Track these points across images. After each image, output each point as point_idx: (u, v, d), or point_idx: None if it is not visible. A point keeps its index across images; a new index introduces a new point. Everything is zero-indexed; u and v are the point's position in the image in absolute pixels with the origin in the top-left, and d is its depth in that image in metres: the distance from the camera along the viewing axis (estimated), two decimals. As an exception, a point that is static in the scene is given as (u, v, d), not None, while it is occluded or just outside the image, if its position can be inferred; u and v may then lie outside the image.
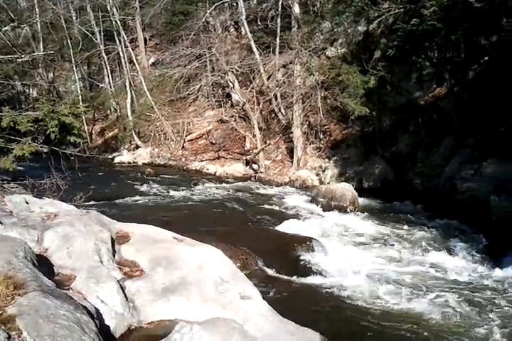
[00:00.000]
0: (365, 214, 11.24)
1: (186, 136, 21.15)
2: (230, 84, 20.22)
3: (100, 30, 23.85)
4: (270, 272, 7.23)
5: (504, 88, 11.21)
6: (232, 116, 20.14)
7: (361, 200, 12.39)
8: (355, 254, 8.42)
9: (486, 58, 12.92)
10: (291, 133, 17.51)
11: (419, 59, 14.53)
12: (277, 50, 18.86)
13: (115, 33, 23.36)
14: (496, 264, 8.24)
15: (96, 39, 24.09)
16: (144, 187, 14.36)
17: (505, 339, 5.56)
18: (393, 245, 9.10)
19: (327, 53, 18.60)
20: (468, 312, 6.23)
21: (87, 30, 24.45)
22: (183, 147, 20.87)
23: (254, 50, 19.02)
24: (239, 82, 20.36)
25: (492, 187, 10.37)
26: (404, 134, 14.91)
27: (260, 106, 19.15)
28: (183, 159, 20.07)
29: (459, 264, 8.33)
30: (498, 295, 6.97)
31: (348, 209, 11.50)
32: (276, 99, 18.93)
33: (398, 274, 7.63)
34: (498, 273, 7.92)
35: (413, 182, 13.07)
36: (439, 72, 13.94)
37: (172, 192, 13.49)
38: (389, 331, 5.53)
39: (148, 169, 18.21)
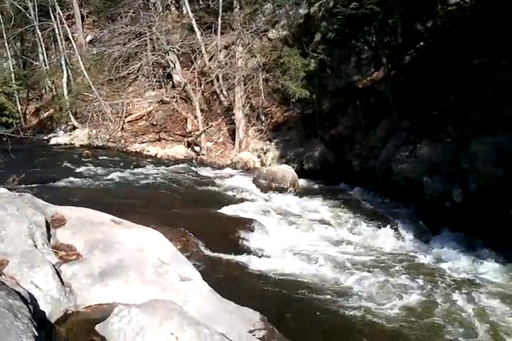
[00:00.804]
0: (305, 195, 11.47)
1: (126, 117, 20.65)
2: (171, 64, 19.82)
3: (34, 5, 22.73)
4: (211, 254, 7.25)
5: (438, 73, 11.61)
6: (174, 97, 19.80)
7: (301, 182, 12.62)
8: (295, 234, 8.59)
9: (422, 43, 13.32)
10: (233, 115, 17.48)
11: (359, 43, 14.78)
12: (219, 30, 18.64)
13: (50, 9, 22.34)
14: (429, 242, 8.68)
15: (30, 14, 22.94)
16: (81, 170, 13.95)
17: (422, 306, 5.93)
18: (332, 225, 9.36)
19: (269, 35, 18.57)
20: (399, 286, 6.56)
21: (20, 5, 23.27)
22: (122, 128, 20.36)
23: (196, 29, 18.71)
24: (180, 62, 20.01)
25: (425, 168, 10.79)
26: (343, 117, 15.21)
27: (202, 87, 18.93)
28: (123, 141, 19.61)
29: (394, 242, 8.72)
30: (429, 270, 7.37)
31: (289, 191, 11.68)
32: (218, 80, 18.77)
33: (336, 252, 7.88)
34: (430, 250, 8.36)
35: (351, 164, 13.39)
36: (377, 56, 14.24)
37: (111, 175, 13.17)
38: (327, 307, 5.70)
39: (86, 151, 17.68)
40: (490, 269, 7.39)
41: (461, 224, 9.03)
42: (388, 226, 9.32)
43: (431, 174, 10.50)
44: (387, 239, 8.76)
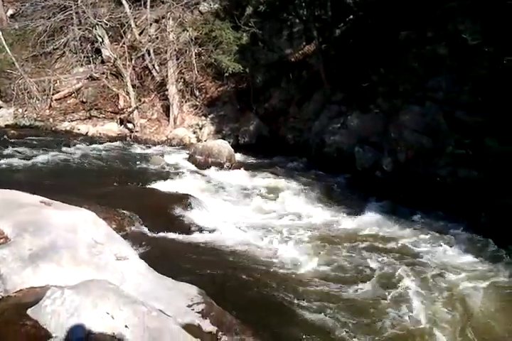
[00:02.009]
0: (242, 169, 11.53)
1: (53, 95, 19.70)
2: (100, 38, 19.02)
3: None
4: (148, 231, 7.16)
5: (367, 46, 11.85)
6: (104, 73, 19.09)
7: (238, 156, 12.67)
8: (232, 209, 8.66)
9: (351, 17, 13.51)
10: (167, 90, 17.14)
11: (290, 16, 14.79)
12: (148, 3, 18.01)
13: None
14: (361, 210, 9.00)
15: None
16: (7, 151, 13.26)
17: (355, 272, 6.22)
18: (268, 197, 9.51)
19: (200, 8, 18.19)
20: (333, 254, 6.80)
21: None
22: (50, 106, 19.46)
23: (124, 2, 17.98)
24: (109, 36, 19.23)
25: (356, 139, 11.12)
26: (276, 90, 15.30)
27: (133, 62, 18.33)
28: (51, 119, 18.76)
29: (328, 212, 8.98)
30: (361, 237, 7.69)
31: (225, 166, 11.71)
32: (149, 54, 18.23)
33: (274, 225, 7.99)
34: (362, 218, 8.70)
35: (286, 137, 13.58)
36: (308, 30, 14.32)
37: (39, 155, 12.59)
38: (266, 279, 5.78)
39: (12, 131, 16.79)
40: (419, 234, 7.78)
41: (392, 193, 9.44)
42: (322, 196, 9.58)
43: (362, 145, 10.84)
44: (321, 210, 9.01)
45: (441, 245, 7.28)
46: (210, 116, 16.01)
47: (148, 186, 9.70)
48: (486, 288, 5.83)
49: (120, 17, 18.45)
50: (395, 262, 6.55)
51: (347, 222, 8.45)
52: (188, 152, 12.91)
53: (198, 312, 4.21)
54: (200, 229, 7.39)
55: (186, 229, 7.38)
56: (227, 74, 14.99)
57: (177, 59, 16.98)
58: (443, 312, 5.33)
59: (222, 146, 12.30)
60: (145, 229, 7.17)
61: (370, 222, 8.44)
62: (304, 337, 4.58)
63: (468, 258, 6.83)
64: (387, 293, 5.67)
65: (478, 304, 5.49)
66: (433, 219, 8.23)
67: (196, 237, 7.08)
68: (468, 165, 8.52)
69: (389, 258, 6.70)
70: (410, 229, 7.98)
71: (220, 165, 11.72)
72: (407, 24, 10.71)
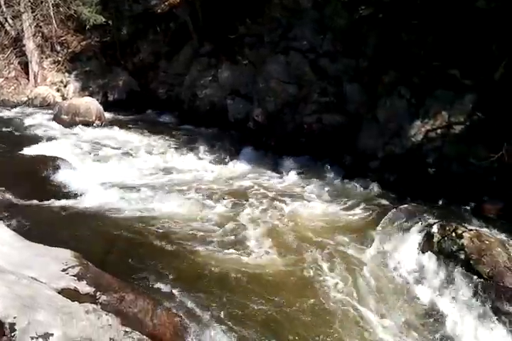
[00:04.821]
0: (113, 127, 11.14)
1: None
2: None
3: None
4: (15, 199, 6.72)
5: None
6: None
7: (108, 114, 12.19)
8: (105, 168, 8.35)
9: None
10: (24, 46, 15.71)
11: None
12: None
13: None
14: (236, 157, 9.31)
15: None
16: None
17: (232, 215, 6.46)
18: (142, 154, 9.33)
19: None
20: (209, 202, 6.99)
21: None
22: None
23: None
24: None
25: (227, 91, 11.20)
26: (144, 43, 14.76)
27: (-20, 15, 16.47)
28: None
29: (203, 164, 9.12)
30: (234, 180, 8.06)
31: (95, 124, 11.22)
32: (0, 6, 16.47)
33: (150, 182, 7.88)
34: (236, 164, 9.03)
35: (157, 92, 13.29)
36: (171, -21, 13.83)
37: None
38: (142, 238, 5.70)
39: None
40: (291, 179, 8.22)
41: (264, 142, 9.76)
42: (197, 149, 9.64)
43: (233, 97, 10.97)
44: (197, 163, 9.09)
45: (307, 184, 7.90)
46: (74, 73, 15.08)
47: (10, 151, 8.98)
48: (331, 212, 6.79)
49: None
50: (261, 199, 7.10)
51: (224, 172, 8.67)
52: (52, 111, 12.12)
53: (74, 276, 4.14)
54: (71, 193, 7.04)
55: (56, 193, 7.00)
56: (89, 26, 14.10)
57: (32, 11, 15.51)
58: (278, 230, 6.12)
59: (90, 104, 11.72)
60: (10, 196, 6.71)
61: (243, 170, 8.79)
62: (178, 282, 4.70)
63: (326, 191, 7.56)
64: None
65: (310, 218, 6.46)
66: (301, 163, 8.76)
67: (67, 201, 6.74)
68: (332, 111, 9.02)
69: (257, 198, 7.16)
70: (280, 174, 8.48)
71: (89, 124, 11.18)
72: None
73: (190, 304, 4.38)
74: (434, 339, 4.64)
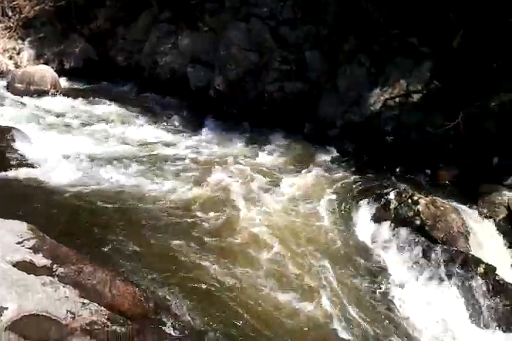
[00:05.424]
0: (70, 96, 10.73)
1: None
2: None
3: None
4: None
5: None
6: None
7: (64, 82, 11.79)
8: (62, 139, 8.13)
9: None
10: (-30, 10, 14.92)
11: None
12: None
13: None
14: (198, 129, 9.20)
15: None
16: None
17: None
18: (100, 125, 9.09)
19: None
20: (169, 172, 6.97)
21: None
22: None
23: None
24: None
25: (188, 59, 10.96)
26: (101, 9, 14.16)
27: None
28: None
29: (166, 134, 8.99)
30: (199, 153, 7.96)
31: (50, 93, 10.80)
32: None
33: (108, 153, 7.68)
34: (199, 136, 8.92)
35: (116, 60, 12.86)
36: None
37: None
38: (100, 210, 5.62)
39: None
40: (253, 148, 8.25)
41: (226, 111, 9.68)
42: (158, 119, 9.50)
43: (194, 64, 10.75)
44: (159, 133, 8.96)
45: (268, 153, 8.01)
46: (28, 39, 14.37)
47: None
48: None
49: None
50: (223, 166, 7.17)
51: (186, 142, 8.58)
52: (5, 80, 11.63)
53: (29, 248, 4.09)
54: (27, 164, 6.83)
55: (11, 165, 6.79)
56: (41, -11, 13.45)
57: (-21, -27, 14.68)
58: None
59: (45, 72, 11.29)
60: (-39, 169, 6.50)
61: (206, 139, 8.73)
62: (136, 254, 4.71)
63: (286, 159, 7.74)
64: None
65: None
66: (263, 132, 8.74)
67: (23, 173, 6.56)
68: (293, 79, 8.98)
69: (219, 165, 7.20)
70: (241, 143, 8.48)
71: (44, 93, 10.74)
72: None
73: (149, 275, 4.40)
74: (387, 300, 4.80)
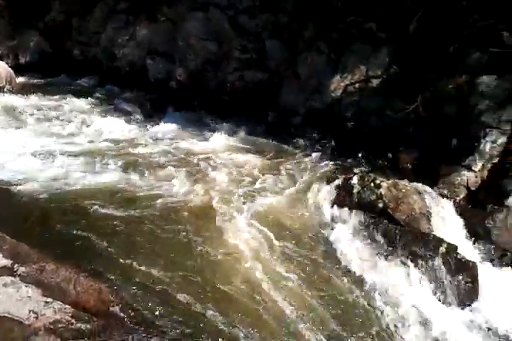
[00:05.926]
0: (26, 92, 10.44)
1: None
2: None
3: None
4: None
5: None
6: None
7: (20, 78, 11.47)
8: (19, 136, 7.88)
9: None
10: None
11: None
12: None
13: None
14: (159, 121, 9.10)
15: None
16: None
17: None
18: (58, 120, 8.88)
19: None
20: (131, 164, 6.87)
21: None
22: None
23: None
24: None
25: (146, 51, 10.80)
26: (55, 1, 13.79)
27: None
28: None
29: (127, 126, 8.86)
30: (161, 144, 7.87)
31: (5, 89, 10.50)
32: None
33: (67, 149, 7.42)
34: (161, 128, 8.82)
35: (73, 53, 12.58)
36: None
37: None
38: (58, 207, 5.47)
39: None
40: (216, 138, 8.19)
41: (187, 102, 9.59)
42: (118, 112, 9.35)
43: (153, 56, 10.61)
44: (120, 125, 8.80)
45: (232, 142, 8.07)
46: (-20, 34, 13.94)
47: None
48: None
49: None
50: (183, 160, 7.16)
51: (149, 133, 8.47)
52: (-44, 77, 11.22)
53: (-10, 247, 4.00)
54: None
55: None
56: (-9, -18, 12.99)
57: None
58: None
59: (1, 67, 10.95)
60: None
61: (168, 130, 8.64)
62: (100, 249, 4.64)
63: (249, 148, 7.78)
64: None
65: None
66: (226, 122, 8.72)
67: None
68: (254, 68, 8.95)
69: (181, 156, 7.24)
70: (204, 133, 8.46)
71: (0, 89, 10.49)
72: None
73: (114, 270, 4.34)
74: (350, 282, 4.85)
